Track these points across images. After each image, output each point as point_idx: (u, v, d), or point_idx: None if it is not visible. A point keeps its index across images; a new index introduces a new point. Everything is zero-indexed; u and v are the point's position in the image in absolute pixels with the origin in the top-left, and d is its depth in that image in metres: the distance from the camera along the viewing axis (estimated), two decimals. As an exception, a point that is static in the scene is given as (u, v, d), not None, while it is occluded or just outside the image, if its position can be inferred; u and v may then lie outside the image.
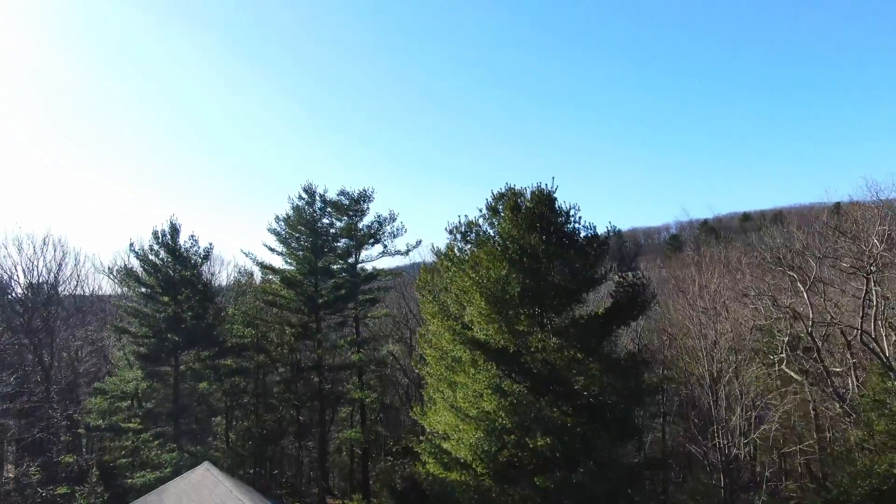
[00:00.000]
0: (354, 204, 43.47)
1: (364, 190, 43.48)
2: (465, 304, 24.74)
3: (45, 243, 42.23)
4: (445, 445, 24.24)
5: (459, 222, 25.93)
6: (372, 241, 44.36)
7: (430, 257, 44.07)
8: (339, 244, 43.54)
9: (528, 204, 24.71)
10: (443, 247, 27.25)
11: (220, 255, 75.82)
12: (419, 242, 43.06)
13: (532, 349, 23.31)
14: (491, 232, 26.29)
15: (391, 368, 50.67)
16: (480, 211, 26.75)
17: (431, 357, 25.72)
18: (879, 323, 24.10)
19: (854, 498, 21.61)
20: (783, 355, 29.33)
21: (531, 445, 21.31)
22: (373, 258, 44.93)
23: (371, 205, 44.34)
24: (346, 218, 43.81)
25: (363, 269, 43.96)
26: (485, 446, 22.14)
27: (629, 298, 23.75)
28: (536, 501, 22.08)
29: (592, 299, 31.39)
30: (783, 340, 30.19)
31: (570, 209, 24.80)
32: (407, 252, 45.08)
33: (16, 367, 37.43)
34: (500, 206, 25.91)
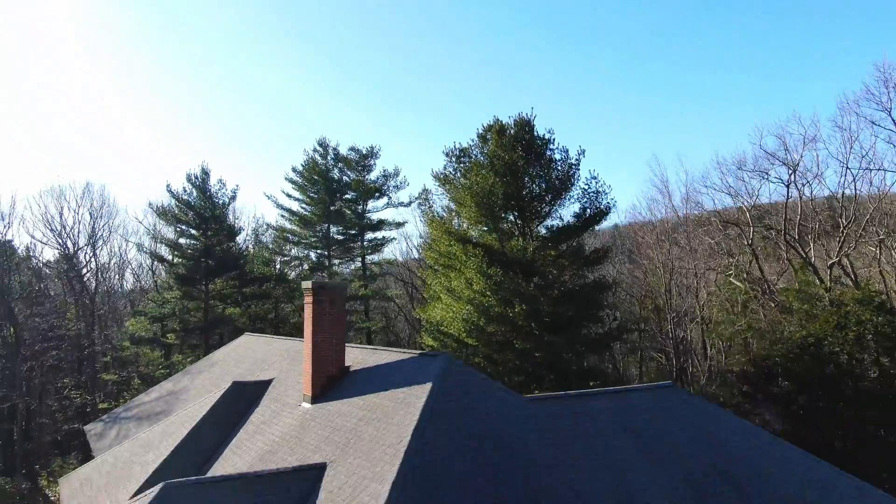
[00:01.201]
0: (363, 159, 48.51)
1: (372, 147, 48.56)
2: (459, 211, 29.78)
3: (84, 193, 47.08)
4: (442, 329, 29.22)
5: (455, 147, 30.95)
6: (378, 194, 49.42)
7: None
8: (348, 195, 48.52)
9: (512, 130, 29.77)
10: (440, 170, 32.15)
11: (241, 207, 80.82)
12: (421, 192, 47.88)
13: (515, 250, 28.37)
14: (481, 158, 31.30)
15: (395, 315, 55.69)
16: (472, 140, 31.82)
17: (432, 259, 30.72)
18: (804, 226, 29.02)
19: (772, 359, 26.61)
20: (731, 270, 34.43)
21: (511, 315, 26.26)
22: (379, 209, 50.03)
23: (377, 161, 49.45)
24: (354, 173, 48.85)
25: (370, 220, 49.02)
26: (474, 320, 27.04)
27: (593, 204, 28.78)
28: (516, 363, 27.00)
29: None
30: (731, 261, 35.31)
31: (545, 134, 29.85)
32: (409, 203, 50.15)
33: (67, 298, 42.39)
34: (489, 136, 30.92)
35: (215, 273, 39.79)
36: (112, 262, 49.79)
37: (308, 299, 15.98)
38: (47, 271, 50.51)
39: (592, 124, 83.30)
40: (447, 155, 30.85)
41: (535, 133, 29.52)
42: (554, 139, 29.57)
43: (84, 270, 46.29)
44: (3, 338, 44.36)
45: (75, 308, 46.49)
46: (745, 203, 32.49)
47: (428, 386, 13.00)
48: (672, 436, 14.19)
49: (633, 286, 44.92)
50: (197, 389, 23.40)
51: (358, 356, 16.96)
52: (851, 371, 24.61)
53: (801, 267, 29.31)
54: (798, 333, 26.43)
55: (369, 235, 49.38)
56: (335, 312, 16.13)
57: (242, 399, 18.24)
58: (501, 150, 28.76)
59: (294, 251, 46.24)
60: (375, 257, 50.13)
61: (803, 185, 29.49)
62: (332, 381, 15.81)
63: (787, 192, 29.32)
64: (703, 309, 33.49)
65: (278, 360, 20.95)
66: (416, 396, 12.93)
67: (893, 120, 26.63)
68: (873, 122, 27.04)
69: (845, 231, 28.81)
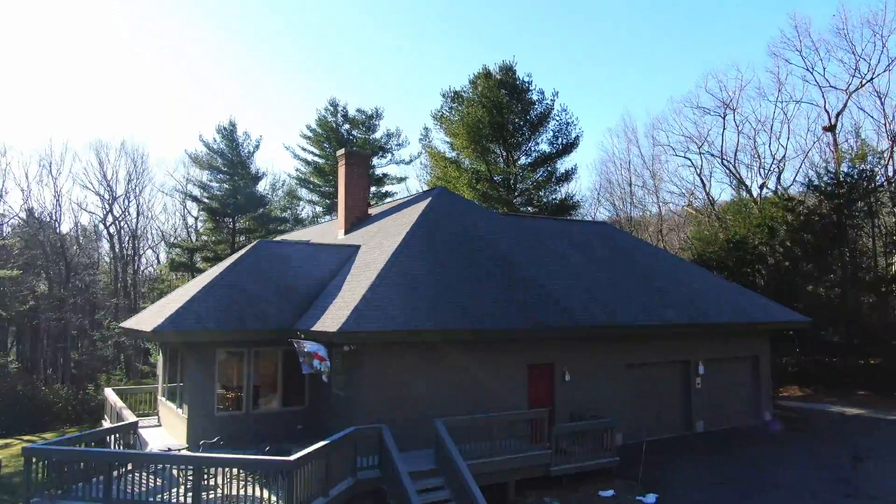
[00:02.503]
0: (368, 120, 54.43)
1: (376, 108, 54.45)
2: (452, 142, 35.78)
3: (120, 150, 52.95)
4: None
5: (450, 89, 36.92)
6: (381, 151, 55.34)
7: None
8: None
9: (497, 75, 35.76)
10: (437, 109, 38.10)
11: (260, 164, 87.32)
12: (422, 130, 53.37)
13: (500, 174, 34.40)
14: (472, 97, 37.24)
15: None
16: (464, 87, 37.79)
17: (431, 184, 36.67)
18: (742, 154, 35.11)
19: (706, 256, 32.58)
20: (688, 201, 40.60)
21: (495, 220, 32.21)
22: (382, 165, 55.95)
23: (381, 122, 55.38)
24: (359, 133, 54.76)
25: (374, 174, 54.91)
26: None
27: (563, 133, 34.83)
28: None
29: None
30: (688, 193, 41.45)
31: (525, 78, 35.80)
32: (409, 161, 56.06)
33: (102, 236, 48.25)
34: (478, 81, 36.90)
35: (241, 210, 45.65)
36: (143, 212, 55.62)
37: (342, 162, 21.95)
38: (89, 218, 56.50)
39: (575, 78, 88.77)
40: (443, 96, 36.82)
41: (517, 77, 35.51)
42: (532, 82, 35.56)
43: (122, 214, 52.23)
44: (49, 277, 50.38)
45: (111, 249, 52.50)
46: (696, 140, 38.65)
47: (428, 199, 19.00)
48: (606, 250, 20.23)
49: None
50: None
51: (378, 210, 22.94)
52: (766, 258, 30.71)
53: (736, 186, 35.48)
54: (729, 235, 32.49)
55: (373, 189, 55.26)
56: (361, 171, 22.12)
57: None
58: (488, 90, 34.77)
59: (306, 210, 52.18)
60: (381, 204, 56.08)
61: (742, 123, 35.69)
62: (359, 221, 21.75)
63: (724, 124, 35.54)
64: (661, 224, 39.78)
65: (312, 235, 26.90)
66: (418, 208, 18.90)
67: (803, 58, 32.86)
68: (787, 61, 33.11)
69: (775, 157, 34.92)
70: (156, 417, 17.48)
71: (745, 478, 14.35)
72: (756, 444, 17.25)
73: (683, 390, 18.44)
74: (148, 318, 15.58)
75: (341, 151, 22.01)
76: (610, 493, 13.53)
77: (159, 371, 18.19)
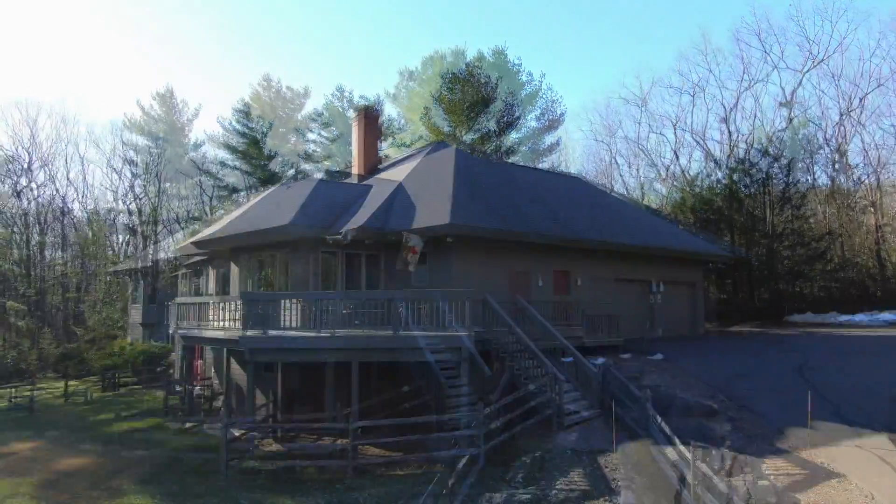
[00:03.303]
0: (371, 105, 58.32)
1: (377, 95, 58.37)
2: (449, 118, 39.62)
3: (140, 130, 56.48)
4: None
5: (447, 71, 40.75)
6: (382, 136, 59.20)
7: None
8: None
9: (490, 59, 39.66)
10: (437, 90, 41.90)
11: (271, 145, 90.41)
12: (423, 109, 57.10)
13: (493, 148, 38.26)
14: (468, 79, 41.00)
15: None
16: (461, 70, 41.62)
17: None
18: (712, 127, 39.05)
19: (683, 220, 36.45)
20: (665, 175, 44.55)
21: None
22: (384, 149, 59.79)
23: (383, 108, 59.25)
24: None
25: (378, 157, 58.78)
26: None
27: (549, 110, 38.75)
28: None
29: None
30: (665, 166, 45.41)
31: (515, 60, 39.75)
32: (410, 145, 59.90)
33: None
34: (473, 65, 40.72)
35: (256, 187, 49.51)
36: (160, 192, 59.34)
37: (356, 122, 25.77)
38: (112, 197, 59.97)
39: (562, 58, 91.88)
40: (442, 77, 40.64)
41: (508, 60, 39.45)
42: (522, 65, 39.51)
43: (142, 191, 56.15)
44: (70, 250, 53.96)
45: (129, 226, 56.26)
46: (671, 119, 42.63)
47: (429, 149, 22.85)
48: (577, 197, 24.12)
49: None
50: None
51: (386, 164, 26.76)
52: (732, 219, 34.61)
53: (705, 158, 39.54)
54: (695, 201, 36.41)
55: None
56: (374, 126, 26.07)
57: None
58: (482, 73, 38.67)
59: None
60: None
61: (712, 102, 39.73)
62: (373, 169, 25.43)
63: (693, 101, 39.63)
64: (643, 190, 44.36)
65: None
66: (421, 154, 22.66)
67: (760, 40, 37.00)
68: (749, 45, 37.17)
69: (740, 133, 38.98)
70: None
71: (712, 349, 19.44)
72: (708, 341, 21.73)
73: (648, 304, 22.40)
74: (206, 233, 19.40)
75: (357, 112, 25.89)
76: (628, 355, 17.52)
77: (211, 290, 21.95)
